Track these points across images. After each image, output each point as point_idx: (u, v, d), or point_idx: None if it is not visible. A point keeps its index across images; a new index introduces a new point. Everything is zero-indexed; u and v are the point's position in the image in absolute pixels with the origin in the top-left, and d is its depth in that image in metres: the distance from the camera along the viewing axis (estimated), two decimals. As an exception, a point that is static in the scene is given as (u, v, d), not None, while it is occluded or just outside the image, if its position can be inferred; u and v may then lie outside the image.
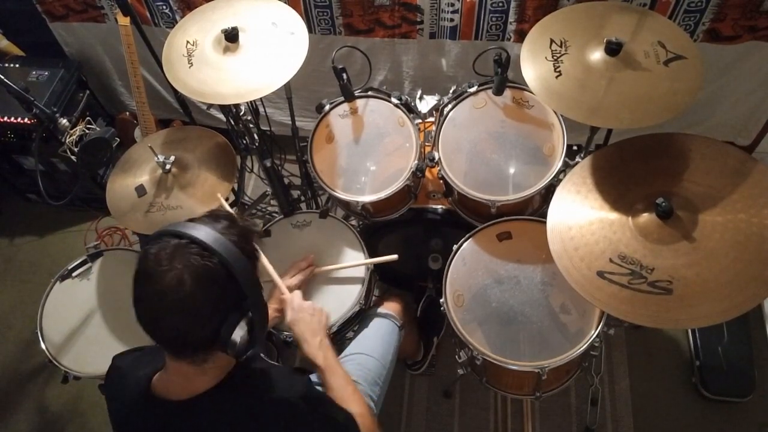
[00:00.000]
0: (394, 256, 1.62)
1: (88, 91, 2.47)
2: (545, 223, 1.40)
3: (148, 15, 2.27)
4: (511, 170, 1.62)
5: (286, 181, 2.19)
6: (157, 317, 0.94)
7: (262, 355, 1.25)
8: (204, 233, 0.94)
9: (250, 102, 1.75)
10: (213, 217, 1.00)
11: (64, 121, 2.19)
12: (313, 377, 1.40)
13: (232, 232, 0.97)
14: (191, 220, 0.99)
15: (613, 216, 1.33)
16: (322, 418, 1.13)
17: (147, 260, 0.93)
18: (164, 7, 2.21)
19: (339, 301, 1.60)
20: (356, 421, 1.17)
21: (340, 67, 1.66)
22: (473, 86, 1.70)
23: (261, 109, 1.87)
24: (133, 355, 1.19)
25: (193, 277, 0.91)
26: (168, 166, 1.69)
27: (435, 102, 1.80)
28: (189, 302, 0.92)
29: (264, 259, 1.53)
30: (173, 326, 0.94)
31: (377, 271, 1.76)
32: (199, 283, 0.91)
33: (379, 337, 1.63)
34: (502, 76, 1.60)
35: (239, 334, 0.96)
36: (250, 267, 0.97)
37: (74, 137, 2.23)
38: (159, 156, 1.67)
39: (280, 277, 1.54)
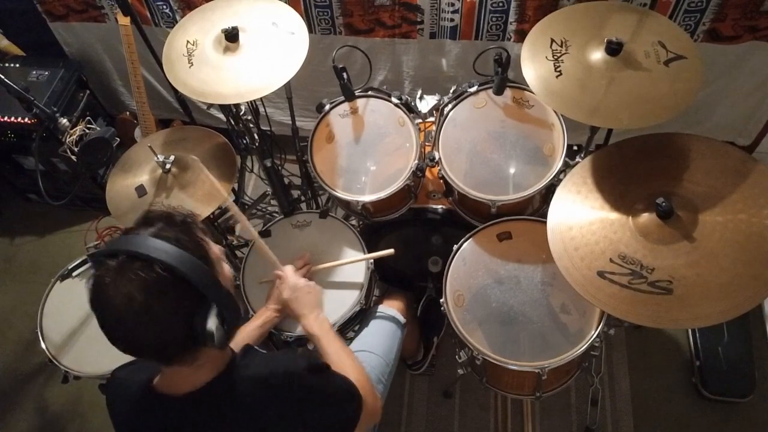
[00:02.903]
0: (391, 250, 1.62)
1: (88, 91, 2.47)
2: (545, 223, 1.39)
3: (149, 15, 2.27)
4: (512, 170, 1.62)
5: (286, 181, 2.18)
6: (124, 338, 0.94)
7: (255, 347, 1.26)
8: (139, 244, 0.91)
9: (251, 102, 1.75)
10: (147, 221, 0.96)
11: (64, 121, 2.19)
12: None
13: (169, 233, 0.94)
14: (127, 231, 0.96)
15: (614, 216, 1.33)
16: (325, 384, 1.14)
17: (94, 287, 0.92)
18: (164, 6, 2.21)
19: (339, 301, 1.60)
20: (355, 385, 1.19)
21: (341, 66, 1.66)
22: (473, 86, 1.70)
23: (261, 109, 1.87)
24: (131, 366, 1.19)
25: (142, 292, 0.89)
26: (168, 166, 1.69)
27: (435, 102, 1.80)
28: (148, 316, 0.90)
29: (260, 241, 1.53)
30: (143, 341, 0.93)
31: (377, 271, 1.76)
32: (150, 296, 0.89)
33: (382, 335, 1.63)
34: (503, 76, 1.60)
35: (213, 325, 0.94)
36: (197, 261, 0.93)
37: (74, 137, 2.22)
38: (159, 156, 1.67)
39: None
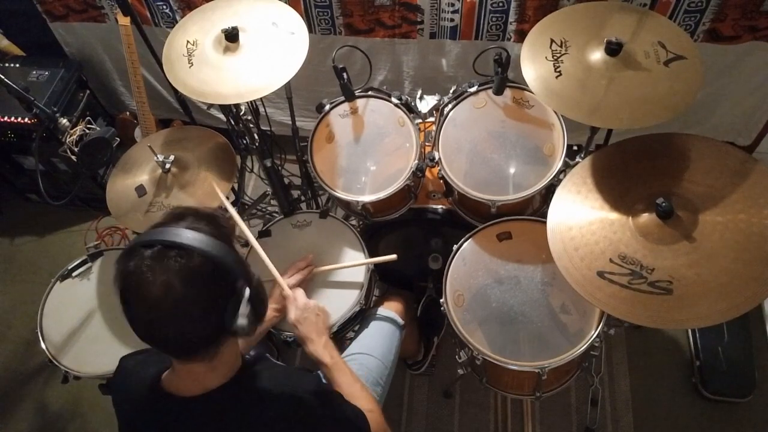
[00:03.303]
0: (393, 256, 1.62)
1: (88, 91, 2.47)
2: (545, 223, 1.40)
3: (149, 15, 2.27)
4: (512, 170, 1.62)
5: (286, 181, 2.18)
6: (158, 329, 0.93)
7: (267, 355, 1.26)
8: (174, 234, 0.92)
9: (251, 102, 1.75)
10: (176, 216, 0.98)
11: (64, 121, 2.20)
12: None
13: (200, 224, 0.96)
14: (156, 226, 0.96)
15: (614, 216, 1.33)
16: (333, 413, 1.13)
17: (128, 277, 0.91)
18: (164, 6, 2.21)
19: (339, 301, 1.60)
20: (366, 416, 1.18)
21: (341, 66, 1.66)
22: (473, 86, 1.70)
23: (261, 109, 1.87)
24: (141, 356, 1.19)
25: (180, 280, 0.90)
26: (167, 166, 1.69)
27: (435, 102, 1.80)
28: (184, 305, 0.91)
29: (265, 257, 1.53)
30: (177, 332, 0.93)
31: (377, 271, 1.76)
32: (188, 283, 0.90)
33: (380, 337, 1.63)
34: (503, 76, 1.60)
35: (244, 313, 0.95)
36: (230, 248, 0.96)
37: (74, 137, 2.23)
38: (158, 155, 1.67)
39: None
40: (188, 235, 0.92)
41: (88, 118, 2.38)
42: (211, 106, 2.58)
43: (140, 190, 1.70)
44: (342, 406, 1.16)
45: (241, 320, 0.95)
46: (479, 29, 2.07)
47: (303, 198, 2.21)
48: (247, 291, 0.96)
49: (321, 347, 1.35)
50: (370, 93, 1.77)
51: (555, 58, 1.43)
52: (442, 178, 1.65)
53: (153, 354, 1.16)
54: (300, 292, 1.47)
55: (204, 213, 1.00)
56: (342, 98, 1.75)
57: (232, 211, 1.54)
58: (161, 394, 1.05)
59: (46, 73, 2.35)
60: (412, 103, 1.77)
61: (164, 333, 0.94)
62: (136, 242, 0.93)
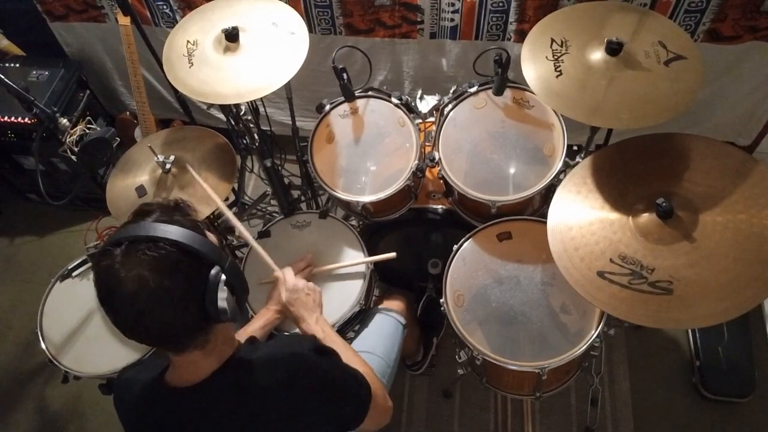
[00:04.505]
0: (393, 254, 1.62)
1: (88, 91, 2.47)
2: (545, 223, 1.39)
3: (149, 15, 2.27)
4: (512, 170, 1.62)
5: (286, 181, 2.19)
6: (140, 323, 0.93)
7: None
8: (140, 228, 0.93)
9: (251, 102, 1.75)
10: (142, 213, 0.98)
11: (64, 121, 2.19)
12: None
13: (167, 217, 0.97)
14: (123, 225, 0.97)
15: (614, 216, 1.33)
16: (335, 368, 1.14)
17: (102, 277, 0.92)
18: (164, 6, 2.21)
19: (340, 301, 1.60)
20: (364, 376, 1.19)
21: (341, 67, 1.66)
22: (473, 86, 1.70)
23: (261, 109, 1.87)
24: (138, 366, 1.21)
25: (151, 271, 0.90)
26: (168, 166, 1.69)
27: (435, 102, 1.80)
28: (161, 294, 0.91)
29: (255, 245, 1.54)
30: (159, 323, 0.93)
31: (377, 271, 1.76)
32: (161, 273, 0.90)
33: (382, 335, 1.63)
34: (503, 76, 1.60)
35: (223, 297, 0.95)
36: (198, 234, 0.96)
37: (74, 137, 2.23)
38: (159, 156, 1.67)
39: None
40: (154, 227, 0.92)
41: (88, 118, 2.38)
42: (211, 106, 2.58)
43: (140, 190, 1.70)
44: (341, 363, 1.18)
45: (222, 304, 0.95)
46: (479, 29, 2.07)
47: (303, 198, 2.21)
48: (223, 275, 0.96)
49: (313, 323, 1.37)
50: (370, 93, 1.77)
51: (555, 57, 1.43)
52: (442, 178, 1.65)
53: (149, 362, 1.17)
54: (289, 272, 1.48)
55: (168, 205, 1.01)
56: (342, 98, 1.75)
57: (228, 212, 1.54)
58: (163, 389, 1.06)
59: (46, 73, 2.35)
60: (412, 103, 1.77)
61: (148, 327, 0.94)
62: (105, 244, 0.94)
